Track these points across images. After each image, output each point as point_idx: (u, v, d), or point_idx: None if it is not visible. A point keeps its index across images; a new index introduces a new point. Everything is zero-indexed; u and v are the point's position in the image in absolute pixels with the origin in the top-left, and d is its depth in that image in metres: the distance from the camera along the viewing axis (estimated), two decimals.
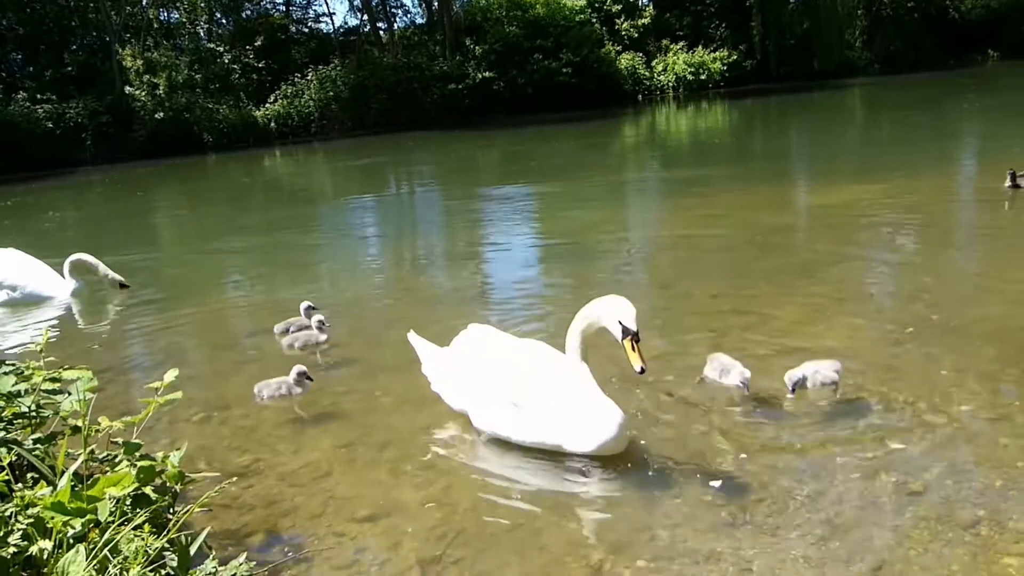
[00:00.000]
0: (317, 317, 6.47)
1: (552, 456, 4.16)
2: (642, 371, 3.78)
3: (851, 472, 3.80)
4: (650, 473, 3.97)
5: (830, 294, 6.63)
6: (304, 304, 6.93)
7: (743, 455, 4.03)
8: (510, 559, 3.40)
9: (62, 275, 9.21)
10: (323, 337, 6.43)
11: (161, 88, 35.35)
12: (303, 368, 5.35)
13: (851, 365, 4.82)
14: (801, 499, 3.61)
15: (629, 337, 3.81)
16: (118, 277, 9.11)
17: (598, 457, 4.07)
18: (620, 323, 3.83)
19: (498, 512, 3.78)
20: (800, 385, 4.58)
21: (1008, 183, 9.99)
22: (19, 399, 3.25)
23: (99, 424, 3.58)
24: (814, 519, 3.46)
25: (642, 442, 4.25)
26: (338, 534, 3.67)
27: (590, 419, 4.04)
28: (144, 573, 2.46)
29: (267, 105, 38.55)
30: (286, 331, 6.78)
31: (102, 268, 9.09)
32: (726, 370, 4.83)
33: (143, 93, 35.16)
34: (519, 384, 4.32)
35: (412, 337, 5.17)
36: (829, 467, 3.86)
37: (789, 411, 4.50)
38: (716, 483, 3.78)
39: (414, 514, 3.80)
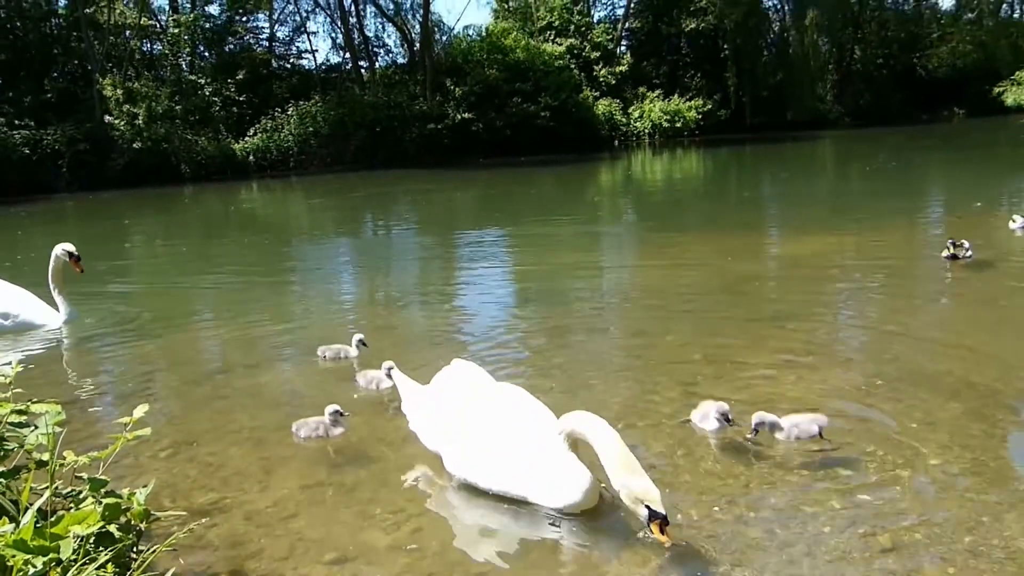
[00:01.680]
0: (387, 364, 6.02)
1: (524, 503, 4.13)
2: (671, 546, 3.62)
3: (821, 525, 3.80)
4: (621, 523, 3.95)
5: (801, 344, 6.70)
6: (356, 337, 6.98)
7: (715, 507, 4.03)
8: None
9: (55, 306, 9.05)
10: (388, 383, 5.96)
11: (140, 118, 35.29)
12: (336, 407, 5.17)
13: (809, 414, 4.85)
14: (770, 551, 3.61)
15: (658, 521, 3.61)
16: (69, 247, 8.91)
17: (564, 512, 4.04)
18: (648, 507, 3.62)
19: (467, 558, 3.75)
20: (761, 429, 4.63)
21: (946, 254, 9.36)
22: None
23: (64, 459, 3.53)
24: (783, 572, 3.46)
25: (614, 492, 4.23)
26: None
27: (558, 476, 4.00)
28: None
29: (246, 138, 38.62)
30: (323, 357, 6.96)
31: (55, 252, 8.94)
32: (706, 415, 4.87)
33: (122, 122, 35.09)
34: (489, 429, 4.28)
35: (395, 374, 5.14)
36: (799, 519, 3.87)
37: (761, 462, 4.52)
38: (684, 539, 3.77)
39: (382, 558, 3.75)
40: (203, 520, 3.96)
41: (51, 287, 9.01)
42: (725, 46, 51.87)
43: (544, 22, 49.11)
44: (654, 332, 7.51)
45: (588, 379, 6.03)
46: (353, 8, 46.98)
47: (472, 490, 4.35)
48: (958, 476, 4.20)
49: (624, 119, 47.19)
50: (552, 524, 3.95)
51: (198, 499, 4.41)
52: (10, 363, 3.87)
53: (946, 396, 5.32)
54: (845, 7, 55.57)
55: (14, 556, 2.42)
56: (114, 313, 9.66)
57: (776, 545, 3.65)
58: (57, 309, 9.05)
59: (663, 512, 3.60)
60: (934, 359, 6.18)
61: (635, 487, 3.67)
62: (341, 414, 5.18)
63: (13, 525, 2.66)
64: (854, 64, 56.70)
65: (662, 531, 3.59)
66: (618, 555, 3.68)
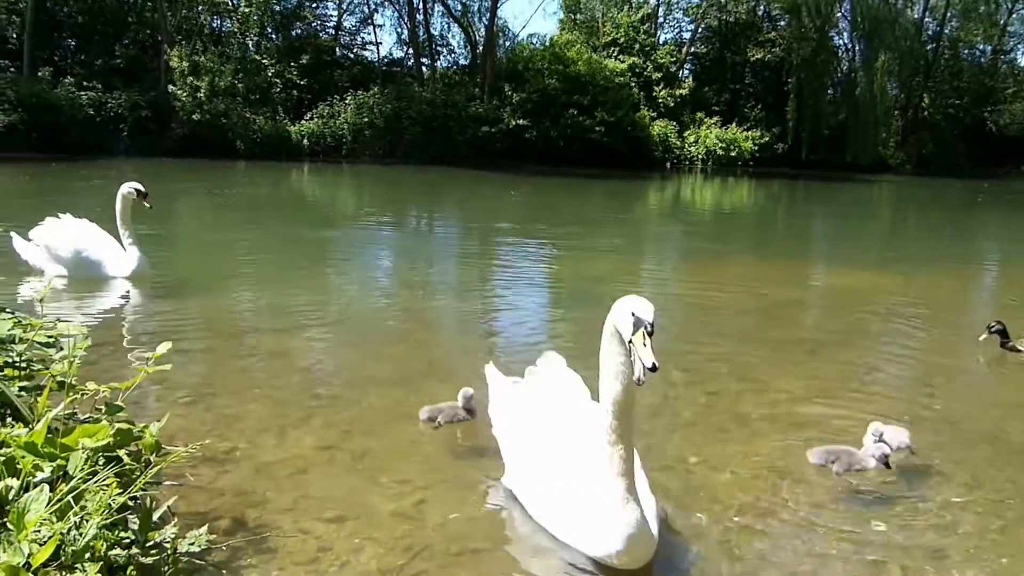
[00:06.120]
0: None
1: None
2: (654, 368, 2.98)
3: (830, 547, 3.72)
4: None
5: (832, 372, 6.57)
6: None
7: (727, 516, 3.96)
8: None
9: (123, 247, 8.98)
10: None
11: (203, 91, 35.90)
12: (470, 391, 5.00)
13: (845, 444, 4.75)
14: (775, 565, 3.54)
15: (642, 329, 3.08)
16: (137, 185, 8.86)
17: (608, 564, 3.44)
18: (633, 314, 3.12)
19: (467, 533, 3.73)
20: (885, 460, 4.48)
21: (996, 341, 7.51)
22: (11, 345, 3.25)
23: (85, 387, 3.59)
24: None
25: None
26: (304, 531, 3.62)
27: (601, 518, 3.37)
28: (104, 525, 2.44)
29: (303, 122, 39.08)
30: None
31: (122, 191, 8.87)
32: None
33: (184, 94, 35.74)
34: (543, 454, 3.81)
35: (488, 370, 4.69)
36: (809, 539, 3.79)
37: (779, 476, 4.44)
38: (692, 545, 3.71)
39: (383, 523, 3.75)
40: (203, 442, 3.98)
41: (121, 231, 8.94)
42: (789, 80, 51.27)
43: (609, 38, 49.00)
44: (683, 345, 7.41)
45: None
46: (421, 5, 47.43)
47: (479, 469, 4.33)
48: (979, 516, 4.08)
49: (679, 142, 46.80)
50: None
51: (212, 446, 4.43)
52: (44, 282, 3.94)
53: (977, 439, 5.18)
54: (918, 54, 54.59)
55: (23, 458, 2.46)
56: (155, 271, 9.79)
57: (781, 560, 3.58)
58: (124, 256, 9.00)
59: (649, 319, 3.11)
60: (968, 402, 6.02)
61: (626, 303, 3.20)
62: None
63: (27, 429, 2.71)
64: (921, 112, 55.61)
65: (645, 344, 3.05)
66: None
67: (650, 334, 3.08)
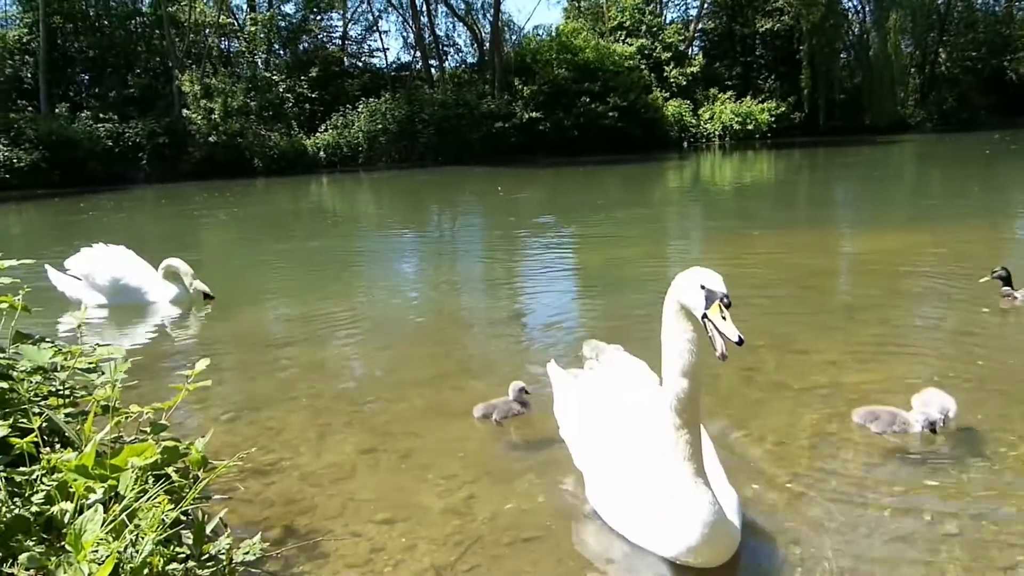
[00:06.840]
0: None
1: (575, 474, 4.07)
2: (740, 342, 2.79)
3: (883, 508, 3.68)
4: None
5: (869, 336, 6.49)
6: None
7: (775, 483, 3.93)
8: (526, 570, 3.35)
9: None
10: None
11: (216, 113, 36.29)
12: (521, 384, 5.00)
13: (890, 405, 4.69)
14: (831, 530, 3.50)
15: (718, 301, 2.89)
16: (203, 287, 8.94)
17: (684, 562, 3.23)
18: (703, 287, 2.94)
19: (518, 524, 3.73)
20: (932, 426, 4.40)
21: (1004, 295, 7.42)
22: (54, 373, 3.31)
23: (129, 409, 3.64)
24: (843, 551, 3.35)
25: None
26: (355, 533, 3.65)
27: (674, 514, 3.14)
28: (159, 541, 2.47)
29: (317, 134, 39.35)
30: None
31: (188, 278, 8.96)
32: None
33: (199, 117, 36.16)
34: (613, 455, 3.63)
35: (551, 368, 4.53)
36: (862, 502, 3.74)
37: (826, 442, 4.40)
38: (750, 513, 3.68)
39: (433, 520, 3.77)
40: (252, 449, 4.01)
41: (160, 273, 9.15)
42: (800, 47, 50.66)
43: (615, 22, 48.77)
44: None
45: (647, 358, 5.94)
46: (425, 7, 47.55)
47: (525, 460, 4.32)
48: None
49: (694, 120, 46.47)
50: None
51: (256, 459, 4.49)
52: (82, 306, 4.00)
53: (1020, 394, 5.07)
54: (930, 8, 53.63)
55: (75, 480, 2.50)
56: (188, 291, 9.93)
57: (835, 524, 3.54)
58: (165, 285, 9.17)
59: (724, 290, 2.92)
60: (1014, 355, 5.91)
61: (692, 276, 3.02)
62: (526, 391, 5.00)
63: (76, 453, 2.76)
64: (938, 67, 54.69)
65: (724, 317, 2.86)
66: None
67: (727, 306, 2.90)
